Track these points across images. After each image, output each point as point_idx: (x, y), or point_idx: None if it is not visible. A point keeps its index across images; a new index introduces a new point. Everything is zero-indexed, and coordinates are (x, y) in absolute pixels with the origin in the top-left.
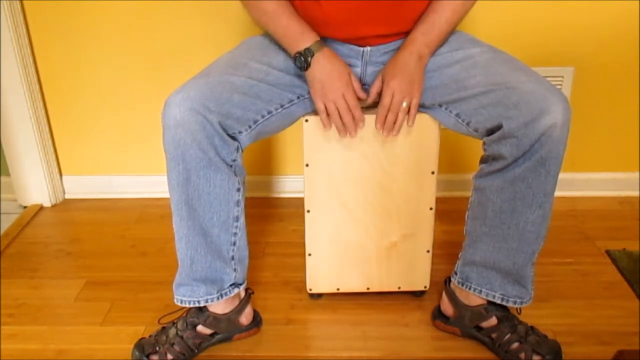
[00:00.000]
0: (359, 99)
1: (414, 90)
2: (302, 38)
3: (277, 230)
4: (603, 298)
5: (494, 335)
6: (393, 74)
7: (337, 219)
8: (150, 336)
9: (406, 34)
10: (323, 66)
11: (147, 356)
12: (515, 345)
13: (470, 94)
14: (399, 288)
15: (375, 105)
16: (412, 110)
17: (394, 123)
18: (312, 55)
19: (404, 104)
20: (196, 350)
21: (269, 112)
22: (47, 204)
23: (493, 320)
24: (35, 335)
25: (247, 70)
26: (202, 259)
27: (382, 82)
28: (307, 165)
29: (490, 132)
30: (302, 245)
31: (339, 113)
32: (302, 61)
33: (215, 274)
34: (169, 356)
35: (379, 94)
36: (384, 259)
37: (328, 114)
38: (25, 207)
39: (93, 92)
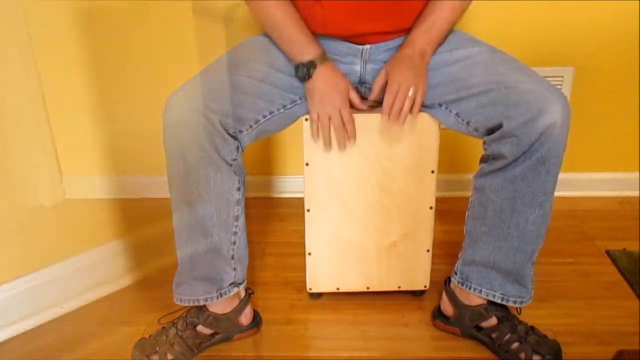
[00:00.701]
0: (357, 109)
1: (419, 80)
2: (306, 49)
3: (277, 230)
4: (603, 298)
5: (494, 335)
6: (398, 66)
7: (337, 219)
8: (150, 336)
9: (405, 31)
10: (325, 79)
11: (147, 356)
12: (515, 345)
13: (469, 93)
14: (399, 287)
15: (376, 105)
16: (418, 99)
17: (401, 110)
18: (315, 68)
19: (410, 92)
20: (196, 350)
21: (271, 112)
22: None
23: (493, 320)
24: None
25: (248, 70)
26: (202, 257)
27: (386, 76)
28: (307, 164)
29: (490, 131)
30: (302, 245)
31: (329, 126)
32: (304, 72)
33: (215, 273)
34: (169, 356)
35: (382, 92)
36: (384, 258)
37: (319, 125)
38: None
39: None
